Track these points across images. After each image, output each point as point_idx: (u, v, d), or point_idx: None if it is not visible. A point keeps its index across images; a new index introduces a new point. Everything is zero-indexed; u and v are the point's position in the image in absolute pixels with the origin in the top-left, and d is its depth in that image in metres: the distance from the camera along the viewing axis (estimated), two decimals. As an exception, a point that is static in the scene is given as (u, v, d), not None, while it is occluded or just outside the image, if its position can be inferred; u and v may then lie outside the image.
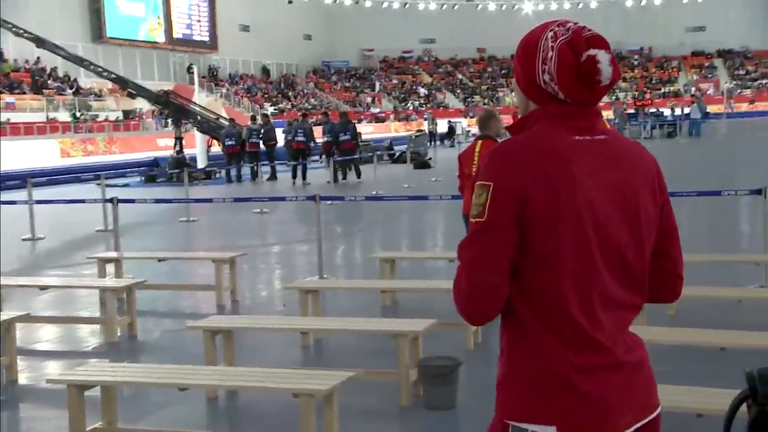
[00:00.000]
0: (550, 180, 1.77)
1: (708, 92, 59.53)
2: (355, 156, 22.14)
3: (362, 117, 52.11)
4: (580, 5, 69.81)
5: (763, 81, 64.22)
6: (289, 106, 53.61)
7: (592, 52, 1.80)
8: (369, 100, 61.92)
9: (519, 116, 1.97)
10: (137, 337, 7.16)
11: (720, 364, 5.44)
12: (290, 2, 60.39)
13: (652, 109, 45.32)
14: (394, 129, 50.42)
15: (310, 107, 54.12)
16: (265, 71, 61.08)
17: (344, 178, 22.04)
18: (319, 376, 4.43)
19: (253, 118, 25.88)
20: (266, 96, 56.15)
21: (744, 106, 56.07)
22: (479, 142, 7.37)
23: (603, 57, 1.80)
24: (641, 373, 1.88)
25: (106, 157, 31.27)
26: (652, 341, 5.47)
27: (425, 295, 8.07)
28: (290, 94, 58.86)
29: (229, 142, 23.38)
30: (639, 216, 1.86)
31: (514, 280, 1.82)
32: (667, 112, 43.99)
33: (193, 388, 4.66)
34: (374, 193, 16.45)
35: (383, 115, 57.01)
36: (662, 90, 63.87)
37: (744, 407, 1.77)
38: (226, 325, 5.68)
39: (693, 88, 61.31)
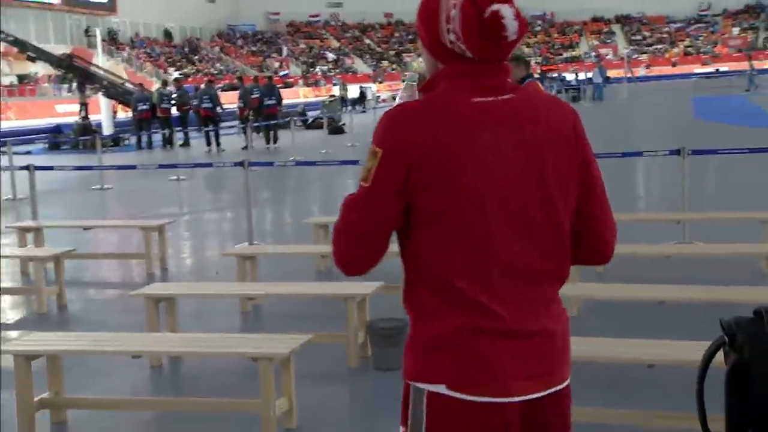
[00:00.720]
0: (439, 143, 1.75)
1: (607, 57, 61.20)
2: (279, 121, 21.93)
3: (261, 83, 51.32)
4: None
5: (659, 46, 66.47)
6: (194, 71, 52.33)
7: (495, 7, 1.76)
8: (276, 64, 61.04)
9: (428, 77, 1.93)
10: (67, 307, 6.95)
11: (653, 317, 5.71)
12: (192, -37, 58.70)
13: (555, 74, 46.32)
14: (302, 94, 49.95)
15: (216, 72, 53.02)
16: (168, 35, 59.36)
17: (274, 141, 21.77)
18: (276, 340, 4.41)
19: (165, 83, 25.17)
20: (170, 60, 54.63)
21: (641, 71, 57.93)
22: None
23: (507, 12, 1.76)
24: (547, 343, 1.82)
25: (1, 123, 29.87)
26: (584, 295, 5.74)
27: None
28: (195, 58, 57.43)
29: (142, 107, 22.71)
30: (546, 176, 1.80)
31: (405, 245, 1.85)
32: (570, 77, 45.09)
33: (148, 355, 4.57)
34: (292, 158, 16.31)
35: (291, 80, 56.37)
36: (564, 55, 65.29)
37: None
38: (168, 293, 5.57)
39: (593, 53, 62.96)
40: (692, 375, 1.78)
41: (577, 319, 5.37)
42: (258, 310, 6.77)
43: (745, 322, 1.73)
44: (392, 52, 67.51)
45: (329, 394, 5.08)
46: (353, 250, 1.84)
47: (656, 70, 59.06)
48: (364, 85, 42.93)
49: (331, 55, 65.70)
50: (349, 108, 33.97)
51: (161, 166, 10.40)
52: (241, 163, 8.83)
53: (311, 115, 28.44)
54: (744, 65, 53.23)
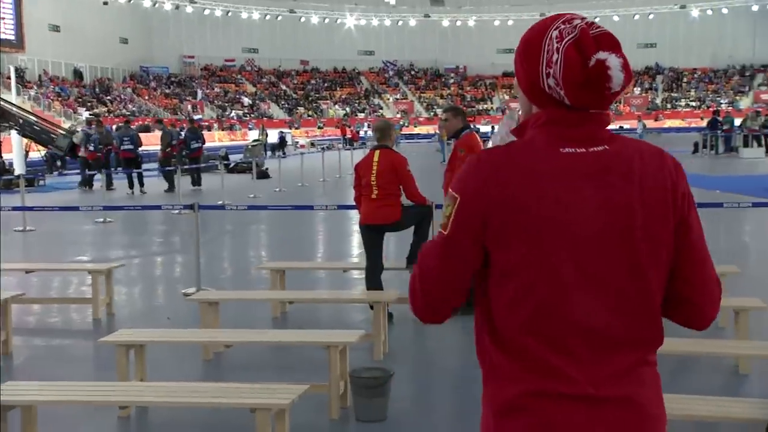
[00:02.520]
0: (514, 197, 1.65)
1: (519, 112, 63.04)
2: (203, 165, 21.63)
3: (184, 125, 50.64)
4: (400, 22, 71.97)
5: (567, 102, 68.97)
6: (105, 112, 51.12)
7: (601, 55, 1.63)
8: (190, 107, 60.32)
9: (521, 120, 1.84)
10: (11, 354, 6.54)
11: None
12: (105, 3, 57.68)
13: (471, 126, 47.29)
14: (218, 138, 49.41)
15: (128, 113, 51.92)
16: (78, 74, 57.94)
17: (198, 184, 21.45)
18: (273, 390, 4.25)
19: (90, 123, 24.49)
20: (80, 100, 53.25)
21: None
22: (377, 151, 7.38)
23: (614, 61, 1.63)
24: (628, 411, 1.68)
25: None
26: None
27: (312, 306, 7.97)
28: (106, 99, 56.18)
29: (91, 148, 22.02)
30: (633, 237, 1.66)
31: (479, 301, 1.79)
32: (485, 128, 46.22)
33: (137, 405, 4.31)
34: (220, 202, 16.03)
35: (206, 123, 55.76)
36: (476, 108, 67.01)
37: None
38: (139, 339, 5.30)
39: (505, 106, 64.86)
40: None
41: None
42: (219, 357, 6.54)
43: None
44: (309, 99, 67.80)
45: (314, 446, 4.92)
46: (430, 299, 1.79)
47: (564, 125, 61.05)
48: (284, 131, 42.87)
49: (246, 100, 65.43)
50: (269, 153, 33.84)
51: (106, 208, 9.99)
52: (191, 206, 8.58)
53: (233, 159, 28.11)
54: (649, 124, 55.93)
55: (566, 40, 1.66)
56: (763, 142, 30.53)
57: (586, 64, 1.64)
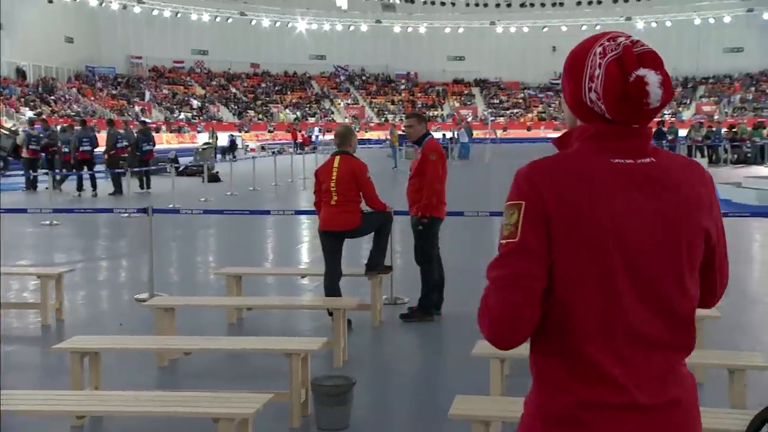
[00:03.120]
0: (571, 203, 1.71)
1: (468, 118, 63.56)
2: (152, 167, 21.28)
3: (131, 127, 49.77)
4: (351, 27, 71.99)
5: (515, 110, 69.83)
6: (49, 112, 49.97)
7: (641, 72, 1.71)
8: (138, 109, 59.36)
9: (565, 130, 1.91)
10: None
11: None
12: (50, 1, 56.47)
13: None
14: (166, 140, 48.70)
15: (73, 113, 50.85)
16: (21, 73, 56.54)
17: (148, 187, 21.11)
18: (236, 399, 4.16)
19: (32, 123, 23.86)
20: (23, 99, 51.98)
21: (499, 133, 60.46)
22: (337, 157, 7.33)
23: (652, 78, 1.71)
24: (675, 413, 1.76)
25: None
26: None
27: (265, 313, 7.87)
28: (50, 98, 54.94)
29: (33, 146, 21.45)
30: (680, 248, 1.76)
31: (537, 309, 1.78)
32: (436, 135, 46.37)
33: (96, 414, 4.18)
34: (172, 206, 15.78)
35: (154, 125, 54.92)
36: (427, 114, 67.27)
37: None
38: (95, 346, 5.16)
39: (455, 114, 65.29)
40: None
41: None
42: (175, 365, 6.41)
43: None
44: (259, 102, 67.30)
45: (276, 456, 4.84)
46: (508, 317, 1.72)
47: (513, 133, 61.85)
48: (234, 134, 42.44)
49: (195, 102, 64.68)
50: (219, 156, 33.46)
51: (56, 211, 9.73)
52: (144, 210, 8.41)
53: (182, 162, 27.72)
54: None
55: (609, 56, 1.74)
56: (706, 152, 31.26)
57: (626, 80, 1.71)
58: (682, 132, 34.56)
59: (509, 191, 1.80)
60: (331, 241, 7.35)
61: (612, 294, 1.71)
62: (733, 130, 33.59)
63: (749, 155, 30.45)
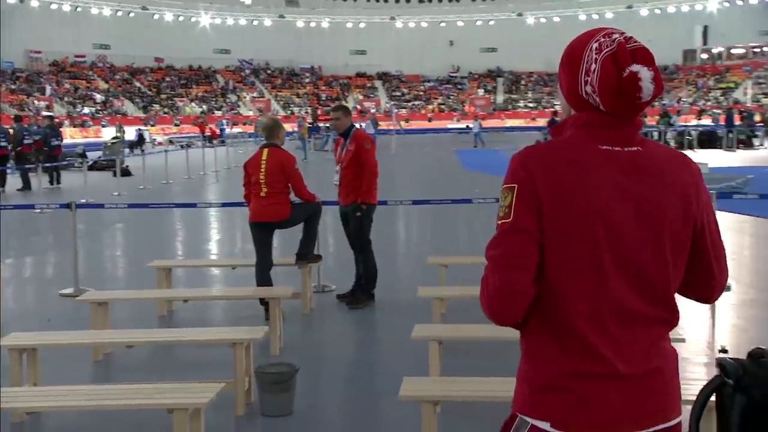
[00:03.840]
0: (561, 186, 1.77)
1: (372, 110, 63.71)
2: (62, 162, 20.45)
3: (34, 122, 47.62)
4: (255, 22, 70.92)
5: (416, 102, 70.38)
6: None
7: (635, 68, 1.76)
8: (40, 104, 56.81)
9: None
10: None
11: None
12: (-57, -7, 53.36)
13: (328, 124, 47.31)
14: (70, 135, 46.80)
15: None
16: None
17: (58, 182, 20.30)
18: (189, 389, 4.08)
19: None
20: None
21: (402, 124, 60.83)
22: (265, 149, 7.25)
23: (645, 74, 1.77)
24: (656, 381, 1.83)
25: None
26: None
27: (194, 304, 7.72)
28: (-55, 93, 52.01)
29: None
30: (662, 232, 1.81)
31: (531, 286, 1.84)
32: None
33: (43, 410, 4.02)
34: (85, 200, 15.24)
35: (57, 120, 52.69)
36: (332, 106, 66.99)
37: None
38: (33, 343, 4.95)
39: (359, 105, 65.28)
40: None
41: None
42: (109, 358, 6.23)
43: (750, 365, 1.77)
44: (164, 96, 65.52)
45: (224, 444, 4.76)
46: (508, 289, 1.77)
47: (415, 124, 62.35)
48: (141, 128, 41.21)
49: (99, 97, 62.42)
50: (127, 150, 32.48)
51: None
52: (68, 205, 8.10)
53: (91, 156, 26.76)
54: (492, 123, 57.95)
55: (605, 52, 1.80)
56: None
57: (620, 75, 1.77)
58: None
59: (504, 175, 1.84)
60: (261, 233, 7.27)
61: (599, 274, 1.78)
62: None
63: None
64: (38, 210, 13.40)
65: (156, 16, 67.79)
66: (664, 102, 59.01)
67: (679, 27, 64.87)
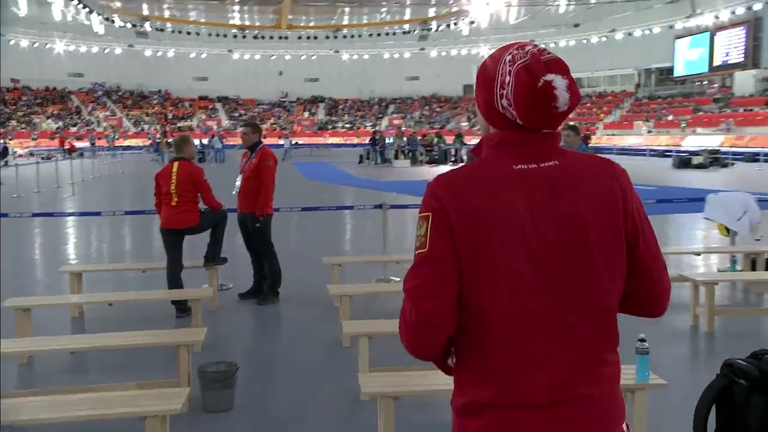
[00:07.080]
0: (473, 213, 1.44)
1: (214, 128, 61.36)
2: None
3: None
4: (107, 50, 65.99)
5: (252, 122, 68.55)
6: None
7: (549, 77, 1.44)
8: None
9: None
10: None
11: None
12: None
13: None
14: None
15: None
16: None
17: None
18: (159, 396, 3.44)
19: None
20: None
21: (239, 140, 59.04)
22: (175, 163, 6.55)
23: (560, 82, 1.44)
24: (584, 408, 1.46)
25: None
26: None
27: (103, 307, 6.79)
28: None
29: None
30: (589, 244, 1.46)
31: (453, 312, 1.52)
32: (195, 142, 44.09)
33: (28, 423, 3.22)
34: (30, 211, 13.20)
35: None
36: (179, 125, 63.79)
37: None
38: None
39: (202, 124, 62.72)
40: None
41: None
42: (31, 362, 5.29)
43: (764, 365, 1.62)
44: (21, 113, 59.21)
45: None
46: (420, 326, 1.44)
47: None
48: (4, 141, 36.89)
49: (-45, 113, 55.29)
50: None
51: None
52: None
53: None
54: (317, 140, 57.78)
55: (518, 63, 1.47)
56: (408, 155, 33.05)
57: (535, 85, 1.44)
58: (390, 140, 36.06)
59: (422, 203, 1.51)
60: (172, 238, 6.54)
61: (520, 298, 1.44)
62: (426, 137, 35.85)
63: (437, 157, 32.71)
64: None
65: (12, 42, 61.06)
66: (452, 124, 61.84)
67: (460, 66, 67.94)
